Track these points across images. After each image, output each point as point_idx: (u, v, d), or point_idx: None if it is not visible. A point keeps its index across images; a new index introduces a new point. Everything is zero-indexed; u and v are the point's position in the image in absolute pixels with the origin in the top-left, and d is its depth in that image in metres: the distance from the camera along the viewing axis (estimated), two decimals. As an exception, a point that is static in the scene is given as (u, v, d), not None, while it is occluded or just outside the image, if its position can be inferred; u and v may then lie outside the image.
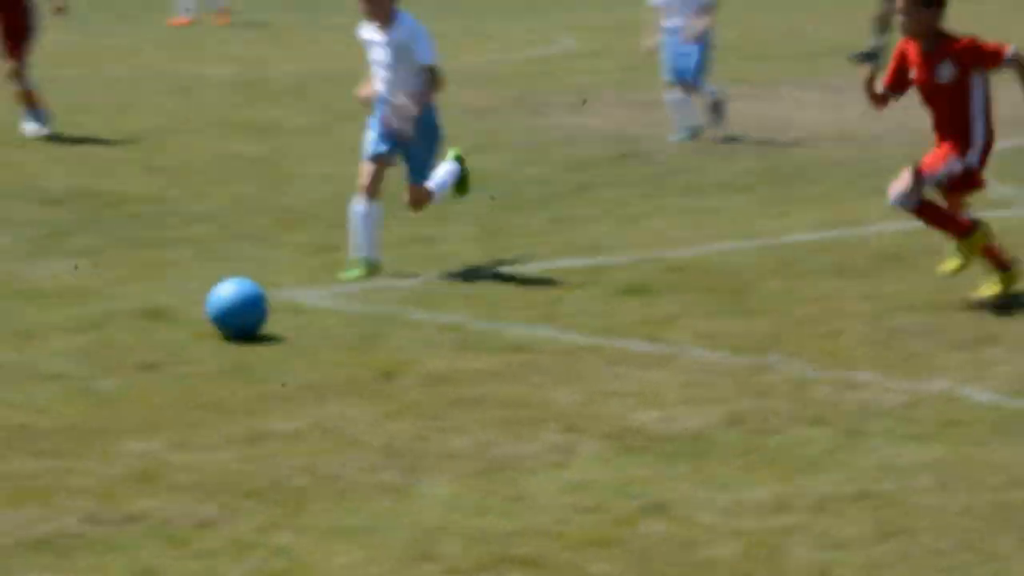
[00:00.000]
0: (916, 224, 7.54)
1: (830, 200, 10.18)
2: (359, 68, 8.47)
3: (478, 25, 23.81)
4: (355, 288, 7.71)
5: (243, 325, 6.61)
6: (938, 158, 7.22)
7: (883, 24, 21.47)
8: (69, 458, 4.77)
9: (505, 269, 8.03)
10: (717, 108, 12.52)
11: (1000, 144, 7.63)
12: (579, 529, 4.25)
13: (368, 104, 7.99)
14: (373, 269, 7.63)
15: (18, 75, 12.12)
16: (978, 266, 7.08)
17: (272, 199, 10.46)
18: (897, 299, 7.27)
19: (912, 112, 8.02)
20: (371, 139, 7.89)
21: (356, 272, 7.60)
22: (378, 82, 7.93)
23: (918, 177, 7.10)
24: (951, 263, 7.22)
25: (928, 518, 4.13)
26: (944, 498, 4.29)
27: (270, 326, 6.69)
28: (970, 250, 7.24)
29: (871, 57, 18.72)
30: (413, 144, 7.85)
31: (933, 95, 7.17)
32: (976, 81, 7.13)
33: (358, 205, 7.67)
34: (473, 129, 12.21)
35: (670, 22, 12.44)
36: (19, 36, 12.25)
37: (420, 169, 7.87)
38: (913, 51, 7.23)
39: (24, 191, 10.38)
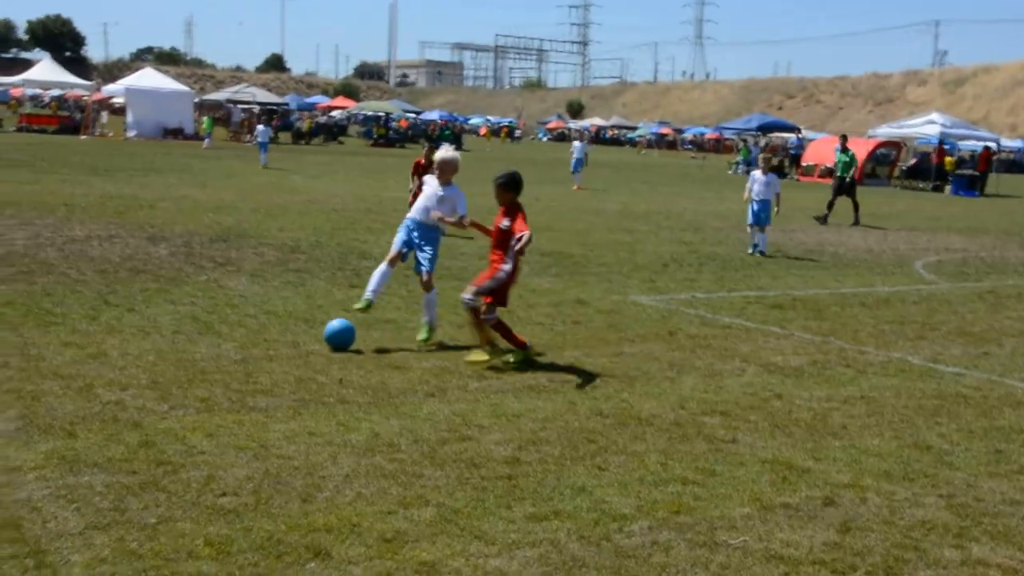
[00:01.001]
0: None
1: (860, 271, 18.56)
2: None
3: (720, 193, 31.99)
4: (657, 297, 15.43)
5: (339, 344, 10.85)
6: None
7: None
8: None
9: (724, 294, 15.95)
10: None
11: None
12: (741, 399, 9.84)
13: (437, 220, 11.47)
14: (371, 306, 11.59)
15: None
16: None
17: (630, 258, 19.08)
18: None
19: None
20: (397, 240, 11.57)
21: (362, 306, 11.64)
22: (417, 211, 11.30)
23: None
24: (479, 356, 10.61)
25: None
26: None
27: (623, 308, 14.30)
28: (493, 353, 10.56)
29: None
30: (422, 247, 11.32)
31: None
32: None
33: (382, 266, 11.67)
34: (717, 234, 20.35)
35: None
36: None
37: (428, 262, 11.41)
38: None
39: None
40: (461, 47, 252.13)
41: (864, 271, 20.23)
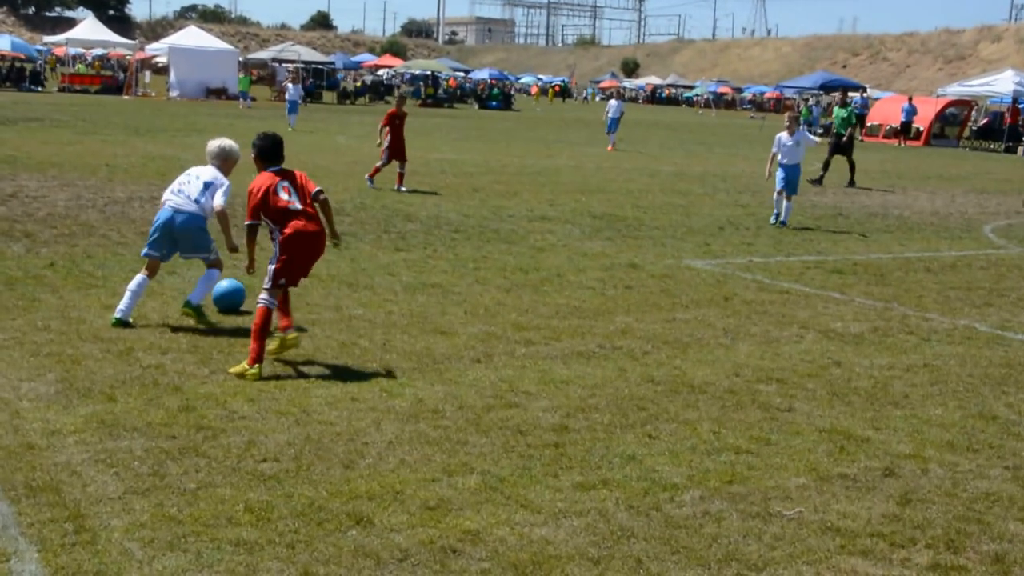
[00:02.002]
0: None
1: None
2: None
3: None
4: (712, 262, 15.42)
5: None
6: None
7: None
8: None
9: (782, 258, 15.86)
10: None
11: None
12: (798, 366, 9.81)
13: None
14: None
15: None
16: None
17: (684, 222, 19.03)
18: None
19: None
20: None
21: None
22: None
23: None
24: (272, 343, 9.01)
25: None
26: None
27: (677, 272, 14.23)
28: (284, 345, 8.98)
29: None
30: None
31: None
32: None
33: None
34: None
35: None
36: None
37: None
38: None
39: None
40: (513, 3, 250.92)
41: (930, 235, 20.04)
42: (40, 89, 63.90)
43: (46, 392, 8.03)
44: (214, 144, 11.06)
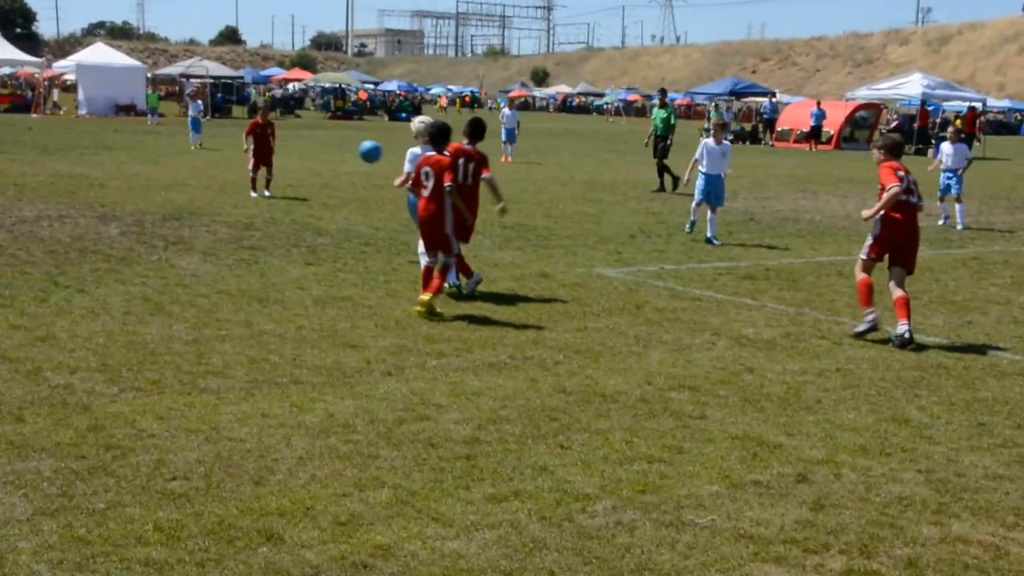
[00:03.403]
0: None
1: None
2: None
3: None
4: (624, 270, 15.42)
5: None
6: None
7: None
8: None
9: (693, 265, 15.99)
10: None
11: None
12: (710, 373, 9.75)
13: None
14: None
15: None
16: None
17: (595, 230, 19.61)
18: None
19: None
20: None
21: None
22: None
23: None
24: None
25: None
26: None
27: (588, 281, 14.21)
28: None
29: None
30: None
31: None
32: None
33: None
34: (688, 203, 20.52)
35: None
36: None
37: None
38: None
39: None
40: (421, 15, 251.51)
41: (842, 239, 20.25)
42: (-54, 109, 62.72)
43: (-50, 415, 7.87)
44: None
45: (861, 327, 11.63)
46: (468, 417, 8.33)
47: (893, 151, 11.85)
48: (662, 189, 28.49)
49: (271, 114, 24.19)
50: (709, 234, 18.84)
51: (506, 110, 39.72)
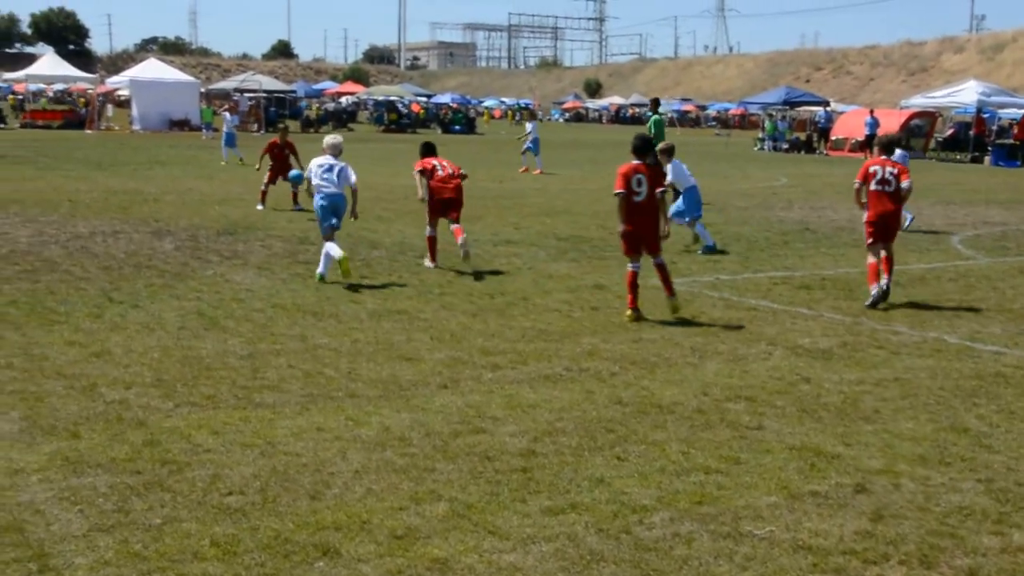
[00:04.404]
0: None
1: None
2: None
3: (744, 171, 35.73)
4: (679, 280, 15.42)
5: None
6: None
7: None
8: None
9: (749, 275, 15.94)
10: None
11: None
12: (767, 384, 9.72)
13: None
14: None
15: None
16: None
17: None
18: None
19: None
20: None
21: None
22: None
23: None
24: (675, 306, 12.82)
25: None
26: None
27: (643, 292, 13.94)
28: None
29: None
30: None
31: None
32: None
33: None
34: (742, 214, 21.36)
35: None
36: None
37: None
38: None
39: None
40: (473, 27, 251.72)
41: (898, 247, 19.83)
42: (2, 126, 63.53)
43: (9, 431, 7.96)
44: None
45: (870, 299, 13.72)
46: (524, 429, 8.32)
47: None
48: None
49: (288, 136, 24.79)
50: (710, 242, 18.87)
51: (528, 124, 40.68)
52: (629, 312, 12.65)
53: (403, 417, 8.52)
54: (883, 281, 13.79)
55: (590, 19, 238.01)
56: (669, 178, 17.79)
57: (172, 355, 10.27)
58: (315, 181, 15.01)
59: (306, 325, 11.76)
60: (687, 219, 18.92)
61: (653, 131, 29.42)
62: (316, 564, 5.85)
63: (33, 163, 35.37)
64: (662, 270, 12.92)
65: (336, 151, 15.34)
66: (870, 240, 14.10)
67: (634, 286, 12.71)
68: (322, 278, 14.46)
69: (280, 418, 8.43)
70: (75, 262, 15.46)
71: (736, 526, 6.52)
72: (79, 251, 16.51)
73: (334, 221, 14.83)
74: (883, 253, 14.00)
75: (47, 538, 6.08)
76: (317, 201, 14.96)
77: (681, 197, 18.93)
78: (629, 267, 12.79)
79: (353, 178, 14.94)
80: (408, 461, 7.53)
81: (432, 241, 16.26)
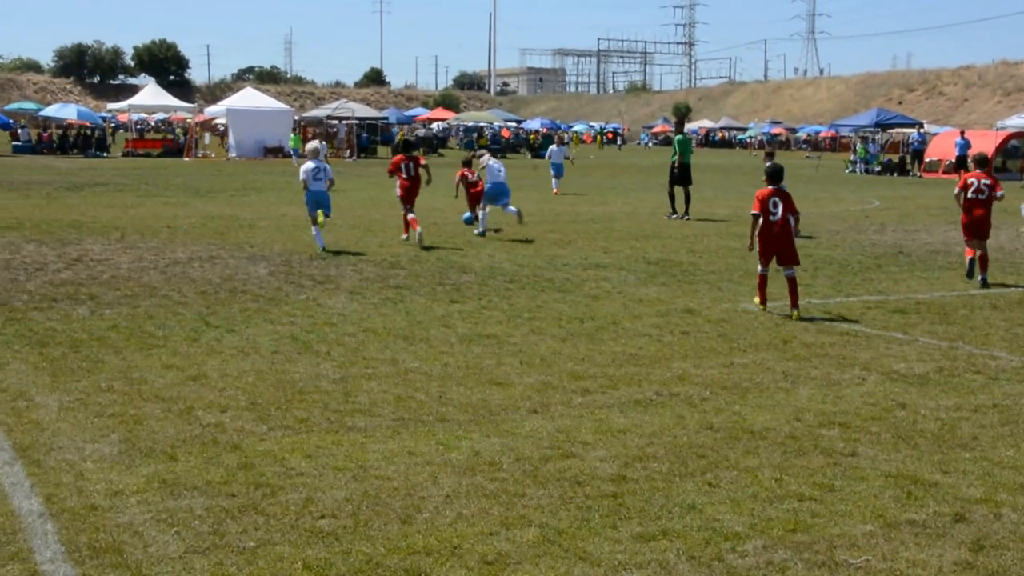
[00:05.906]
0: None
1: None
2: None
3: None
4: (770, 304, 14.96)
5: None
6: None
7: None
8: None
9: (841, 299, 15.78)
10: None
11: None
12: (861, 410, 9.59)
13: None
14: None
15: None
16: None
17: (740, 265, 18.81)
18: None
19: None
20: None
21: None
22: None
23: None
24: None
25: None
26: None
27: (734, 316, 14.09)
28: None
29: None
30: None
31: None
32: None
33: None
34: (834, 237, 21.63)
35: None
36: None
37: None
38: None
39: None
40: (562, 53, 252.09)
41: (995, 271, 19.63)
42: (105, 155, 65.10)
43: (109, 453, 8.08)
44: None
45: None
46: (614, 455, 8.25)
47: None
48: (674, 213, 29.47)
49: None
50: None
51: (553, 147, 41.88)
52: (760, 306, 14.71)
53: (493, 442, 8.50)
54: (978, 277, 17.33)
55: (679, 43, 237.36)
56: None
57: (266, 379, 10.35)
58: (310, 183, 19.94)
59: (397, 349, 11.80)
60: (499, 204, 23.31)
61: (677, 150, 29.67)
62: (407, 589, 5.83)
63: (134, 190, 36.15)
64: (792, 283, 14.35)
65: (318, 154, 20.75)
66: (966, 238, 17.90)
67: (763, 286, 14.63)
68: (324, 249, 19.97)
69: (372, 442, 8.45)
70: (173, 287, 15.68)
71: (831, 555, 6.40)
72: (177, 276, 16.76)
73: (319, 209, 19.97)
74: (979, 252, 17.35)
75: (145, 559, 6.14)
76: (308, 197, 20.13)
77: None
78: (759, 271, 14.63)
79: (331, 173, 20.45)
80: (498, 486, 7.50)
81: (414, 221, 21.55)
